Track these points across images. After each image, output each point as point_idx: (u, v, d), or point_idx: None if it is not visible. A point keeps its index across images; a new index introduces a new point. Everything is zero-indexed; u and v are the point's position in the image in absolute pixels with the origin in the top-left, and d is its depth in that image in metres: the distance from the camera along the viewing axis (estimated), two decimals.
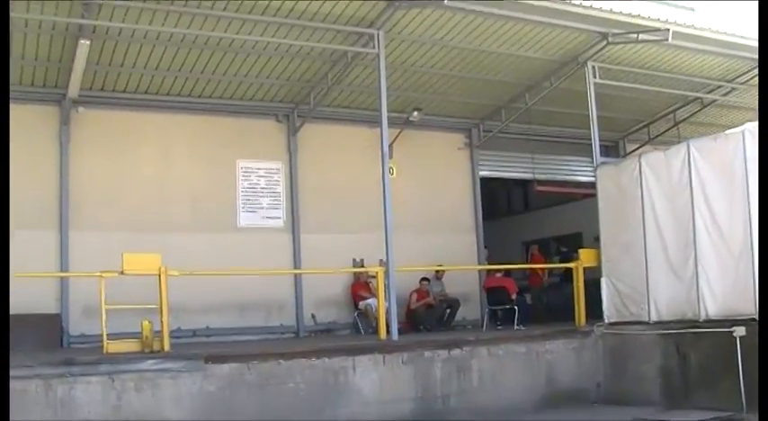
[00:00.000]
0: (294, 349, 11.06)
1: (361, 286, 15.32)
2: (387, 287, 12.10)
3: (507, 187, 24.30)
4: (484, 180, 18.55)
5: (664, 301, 12.18)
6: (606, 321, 13.09)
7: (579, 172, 18.72)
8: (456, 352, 11.83)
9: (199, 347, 11.96)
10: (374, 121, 15.68)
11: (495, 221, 22.57)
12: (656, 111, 18.18)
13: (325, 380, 10.81)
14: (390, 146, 16.00)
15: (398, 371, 11.33)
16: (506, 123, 16.83)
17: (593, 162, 14.12)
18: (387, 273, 12.08)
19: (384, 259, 12.59)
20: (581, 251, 13.80)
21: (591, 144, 13.88)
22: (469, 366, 11.87)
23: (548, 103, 16.62)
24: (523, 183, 23.28)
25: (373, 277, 15.40)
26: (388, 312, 12.00)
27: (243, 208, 15.37)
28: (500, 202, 24.39)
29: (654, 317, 12.28)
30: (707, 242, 11.52)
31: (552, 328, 13.36)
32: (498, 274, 14.96)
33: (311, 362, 10.84)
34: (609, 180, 13.48)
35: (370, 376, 11.10)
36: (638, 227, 12.65)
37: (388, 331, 11.93)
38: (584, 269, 13.71)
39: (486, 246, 18.24)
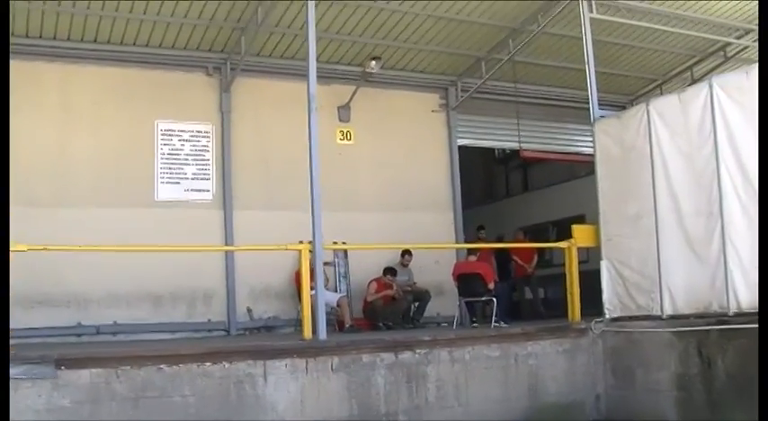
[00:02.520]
0: (180, 351, 8.25)
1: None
2: (313, 271, 9.22)
3: (506, 168, 21.88)
4: (466, 151, 15.73)
5: (681, 290, 9.38)
6: (607, 316, 10.32)
7: (578, 142, 15.74)
8: (406, 355, 9.02)
9: (100, 347, 9.53)
10: (327, 76, 13.00)
11: (490, 205, 19.92)
12: (670, 68, 15.27)
13: (224, 392, 8.12)
14: (346, 106, 13.31)
15: (326, 382, 8.59)
16: (487, 78, 13.90)
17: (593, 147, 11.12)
18: (312, 253, 9.18)
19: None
20: (574, 228, 10.89)
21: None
22: (424, 374, 9.08)
23: (537, 55, 13.85)
24: (523, 163, 20.82)
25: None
26: (315, 304, 9.15)
27: (162, 178, 12.61)
28: (497, 184, 21.89)
29: (668, 311, 9.49)
30: (737, 210, 8.69)
31: (537, 325, 10.49)
32: (472, 258, 12.04)
33: (205, 367, 8.15)
34: (609, 137, 10.64)
35: (286, 388, 8.40)
36: (646, 194, 9.83)
37: (314, 329, 9.07)
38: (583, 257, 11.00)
39: (481, 227, 15.51)
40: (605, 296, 10.36)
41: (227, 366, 8.20)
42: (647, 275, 9.77)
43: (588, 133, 15.17)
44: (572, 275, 10.56)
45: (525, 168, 21.37)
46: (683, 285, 9.33)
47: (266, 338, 11.16)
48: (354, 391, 8.65)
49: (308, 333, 9.05)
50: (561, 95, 15.33)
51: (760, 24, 8.44)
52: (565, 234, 17.32)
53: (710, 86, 9.09)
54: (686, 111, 9.41)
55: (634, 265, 10.03)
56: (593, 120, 10.89)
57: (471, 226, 15.43)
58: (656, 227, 9.67)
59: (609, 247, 10.44)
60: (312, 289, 11.88)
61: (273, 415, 8.26)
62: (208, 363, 8.13)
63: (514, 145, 15.13)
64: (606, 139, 10.64)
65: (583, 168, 17.96)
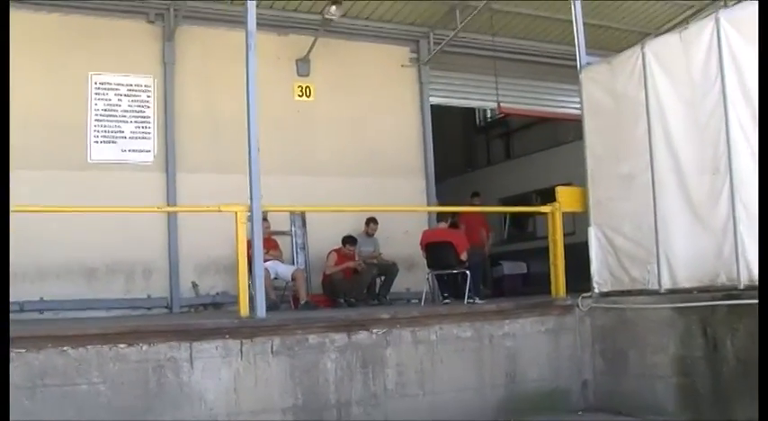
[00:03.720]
0: (87, 330, 6.88)
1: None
2: (251, 240, 7.85)
3: (486, 136, 20.60)
4: (443, 117, 14.44)
5: (682, 259, 8.07)
6: (596, 291, 9.06)
7: (563, 103, 14.39)
8: (361, 336, 7.72)
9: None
10: (284, 25, 11.62)
11: (470, 174, 18.56)
12: (666, 19, 13.82)
13: (141, 379, 6.84)
14: (305, 59, 11.91)
15: (265, 367, 7.31)
16: (462, 28, 12.47)
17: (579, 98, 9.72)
18: (250, 217, 7.81)
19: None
20: (559, 190, 9.56)
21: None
22: (383, 358, 7.80)
23: (517, 2, 12.41)
24: (507, 127, 19.70)
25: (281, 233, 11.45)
26: (253, 279, 7.82)
27: (97, 137, 11.17)
28: (478, 152, 20.52)
29: (667, 284, 8.20)
30: (749, 166, 7.34)
31: (516, 302, 9.20)
32: (442, 225, 10.69)
33: (119, 350, 6.85)
34: (598, 86, 9.31)
35: (217, 374, 7.11)
36: (641, 150, 8.54)
37: (251, 306, 7.72)
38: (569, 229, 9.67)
39: (476, 194, 14.01)
40: (594, 267, 9.07)
41: (144, 349, 6.88)
42: (643, 243, 8.48)
43: (574, 94, 13.98)
44: (556, 244, 9.26)
45: (508, 136, 20.01)
46: (684, 254, 8.03)
47: (206, 316, 9.83)
48: (299, 378, 7.36)
49: (244, 309, 7.71)
50: (544, 51, 13.93)
51: (760, 24, 7.02)
52: (549, 202, 16.18)
53: (717, 21, 7.76)
54: (688, 53, 8.08)
55: (627, 232, 8.73)
56: (580, 67, 9.53)
57: (449, 196, 14.04)
58: (653, 187, 8.36)
59: (598, 212, 9.14)
60: (267, 260, 10.75)
61: (201, 406, 6.97)
62: (122, 345, 6.81)
63: (492, 104, 13.74)
64: (595, 89, 9.31)
65: (569, 133, 16.75)
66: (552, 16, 12.71)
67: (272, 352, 7.30)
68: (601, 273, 9.02)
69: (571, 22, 9.96)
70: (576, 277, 9.42)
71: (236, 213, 7.85)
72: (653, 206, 8.34)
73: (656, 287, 8.26)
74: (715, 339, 7.45)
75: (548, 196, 15.69)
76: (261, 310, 7.58)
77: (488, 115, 21.06)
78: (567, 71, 13.71)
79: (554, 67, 14.00)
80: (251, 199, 7.81)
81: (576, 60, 9.62)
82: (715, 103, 7.71)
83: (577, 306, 8.89)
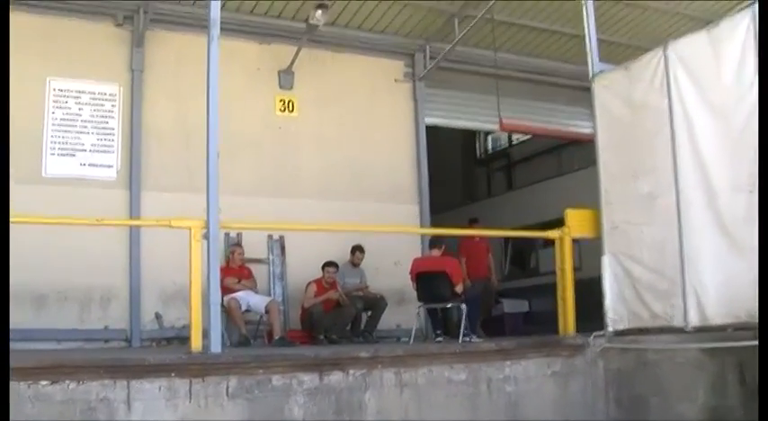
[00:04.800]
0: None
1: (231, 271, 9.91)
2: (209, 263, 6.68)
3: (488, 167, 19.59)
4: (442, 148, 13.33)
5: (713, 292, 6.93)
6: (610, 329, 7.89)
7: (572, 127, 13.29)
8: (335, 377, 6.52)
9: None
10: (266, 32, 10.60)
11: (469, 207, 17.38)
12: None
13: None
14: (289, 70, 10.89)
15: (218, 411, 6.15)
16: (462, 39, 11.38)
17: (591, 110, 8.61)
18: (206, 235, 6.66)
19: None
20: (568, 213, 8.41)
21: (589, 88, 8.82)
22: (360, 403, 6.61)
23: (521, 14, 11.44)
24: (507, 158, 18.74)
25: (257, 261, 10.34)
26: (206, 307, 6.64)
27: (53, 149, 10.05)
28: (478, 184, 19.40)
29: (695, 321, 7.05)
30: None
31: (518, 341, 8.01)
32: (435, 252, 9.50)
33: (39, 388, 5.70)
34: (613, 95, 8.24)
35: (160, 419, 5.90)
36: (664, 166, 7.47)
37: (205, 339, 6.54)
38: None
39: (474, 220, 12.58)
40: (608, 302, 7.91)
41: (72, 387, 5.74)
42: (666, 273, 7.34)
43: (584, 117, 12.97)
44: (565, 274, 8.10)
45: (509, 168, 18.94)
46: (715, 285, 6.89)
47: (149, 351, 8.62)
48: None
49: (196, 343, 6.51)
50: (550, 69, 12.90)
51: (760, 24, 6.42)
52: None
53: (754, 17, 6.69)
54: (719, 53, 7.05)
55: (647, 261, 7.58)
56: (592, 74, 8.46)
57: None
58: (678, 208, 7.26)
59: (613, 238, 7.99)
60: (237, 291, 9.61)
61: None
62: (44, 382, 5.66)
63: (492, 126, 12.63)
64: (609, 98, 8.23)
65: (574, 161, 15.69)
66: (559, 29, 11.73)
67: (227, 394, 6.11)
68: (616, 309, 7.85)
69: (580, 37, 9.01)
70: (584, 318, 8.28)
71: (190, 229, 6.67)
72: (678, 230, 7.22)
73: (681, 324, 7.11)
74: (754, 385, 6.24)
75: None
76: (215, 344, 6.39)
77: (489, 146, 20.10)
78: (574, 93, 12.86)
79: (561, 88, 13.02)
80: (208, 212, 6.62)
81: (584, 77, 8.62)
82: (751, 109, 6.61)
83: (589, 345, 7.70)
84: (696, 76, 7.25)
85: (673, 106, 7.39)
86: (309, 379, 6.38)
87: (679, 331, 7.07)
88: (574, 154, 15.93)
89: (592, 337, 7.73)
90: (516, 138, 18.90)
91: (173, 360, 6.12)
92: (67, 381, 5.69)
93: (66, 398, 5.67)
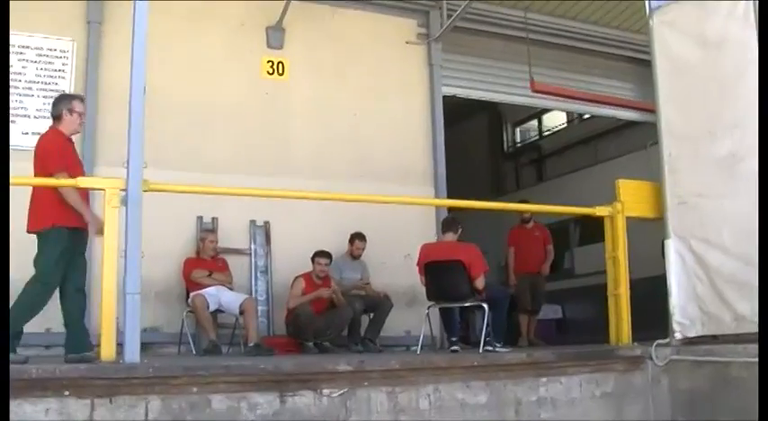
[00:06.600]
0: None
1: (199, 262, 8.14)
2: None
3: (516, 161, 17.64)
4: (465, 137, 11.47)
5: None
6: (677, 336, 6.00)
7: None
8: (303, 399, 4.70)
9: None
10: None
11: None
12: None
13: None
14: (278, 26, 9.16)
15: None
16: None
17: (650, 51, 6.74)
18: (125, 199, 4.89)
19: None
20: (621, 184, 6.51)
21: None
22: None
23: None
24: (538, 151, 17.05)
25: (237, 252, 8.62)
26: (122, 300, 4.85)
27: None
28: (507, 177, 17.50)
29: None
30: None
31: (557, 351, 6.12)
32: (450, 236, 7.55)
33: None
34: (679, 32, 6.42)
35: None
36: (752, 119, 5.52)
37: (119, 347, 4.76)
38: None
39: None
40: (674, 300, 6.04)
41: None
42: (755, 261, 5.40)
43: (626, 92, 11.23)
44: (618, 265, 6.20)
45: (539, 162, 17.07)
46: None
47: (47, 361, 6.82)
48: None
49: (107, 350, 4.71)
50: (591, 34, 11.01)
51: (760, 24, 5.51)
52: (591, 233, 13.10)
53: None
54: None
55: (729, 245, 5.72)
56: (650, 8, 6.59)
57: (471, 228, 10.78)
58: None
59: (682, 216, 6.13)
60: (206, 286, 7.87)
61: None
62: None
63: (523, 99, 10.79)
64: (674, 36, 6.40)
65: (609, 149, 13.89)
66: None
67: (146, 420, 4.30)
68: (685, 310, 5.98)
69: None
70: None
71: (104, 191, 4.89)
72: None
73: None
74: None
75: (590, 225, 12.91)
76: (132, 352, 4.58)
77: (518, 138, 18.25)
78: (618, 64, 11.09)
79: (601, 58, 11.15)
80: (128, 168, 4.85)
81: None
82: None
83: (650, 358, 5.82)
84: None
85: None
86: (266, 400, 4.56)
87: None
88: (611, 143, 14.15)
89: (653, 347, 5.85)
90: (547, 128, 17.11)
91: (67, 372, 4.32)
92: None
93: None
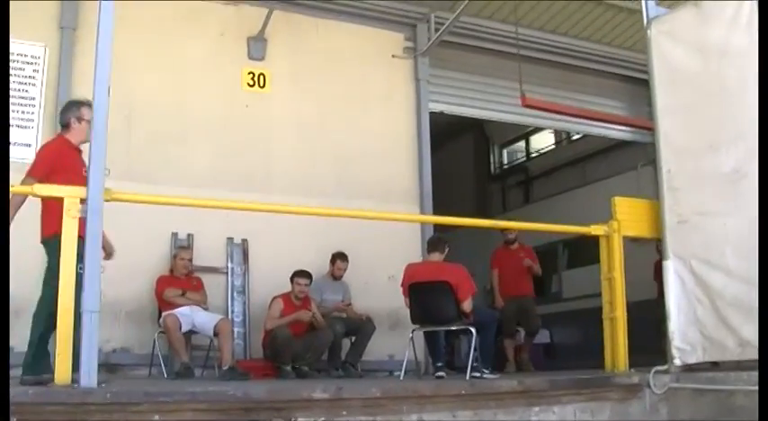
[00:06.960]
0: None
1: (172, 281, 7.75)
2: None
3: (503, 182, 17.41)
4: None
5: None
6: (677, 362, 5.62)
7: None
8: None
9: None
10: None
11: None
12: None
13: None
14: (260, 37, 8.87)
15: None
16: (471, 6, 9.24)
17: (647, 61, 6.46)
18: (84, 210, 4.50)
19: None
20: (617, 201, 6.18)
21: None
22: None
23: None
24: (525, 173, 16.78)
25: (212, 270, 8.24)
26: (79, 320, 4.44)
27: None
28: (492, 199, 17.21)
29: None
30: None
31: (549, 378, 5.74)
32: (435, 256, 7.19)
33: None
34: (679, 41, 6.11)
35: None
36: (752, 131, 5.19)
37: (75, 369, 4.36)
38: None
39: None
40: (673, 324, 5.70)
41: None
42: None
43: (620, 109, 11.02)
44: (614, 285, 5.84)
45: (526, 184, 16.78)
46: None
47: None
48: None
49: (63, 374, 4.30)
50: (583, 50, 10.78)
51: (760, 24, 5.30)
52: (579, 255, 12.79)
53: None
54: None
55: (732, 266, 5.40)
56: (647, 18, 6.31)
57: (456, 250, 10.43)
58: None
59: (682, 236, 5.80)
60: (180, 306, 7.47)
61: None
62: None
63: (513, 117, 10.52)
64: (673, 46, 6.11)
65: (599, 170, 13.62)
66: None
67: None
68: (685, 335, 5.65)
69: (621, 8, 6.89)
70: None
71: (63, 200, 4.50)
72: None
73: None
74: None
75: (578, 247, 12.60)
76: (88, 375, 4.17)
77: (504, 160, 17.97)
78: (610, 82, 10.87)
79: (592, 75, 10.91)
80: (88, 176, 4.47)
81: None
82: None
83: (648, 386, 5.45)
84: None
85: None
86: None
87: None
88: (600, 164, 13.89)
89: (651, 374, 5.49)
90: (535, 150, 16.86)
91: (15, 397, 3.90)
92: None
93: None
